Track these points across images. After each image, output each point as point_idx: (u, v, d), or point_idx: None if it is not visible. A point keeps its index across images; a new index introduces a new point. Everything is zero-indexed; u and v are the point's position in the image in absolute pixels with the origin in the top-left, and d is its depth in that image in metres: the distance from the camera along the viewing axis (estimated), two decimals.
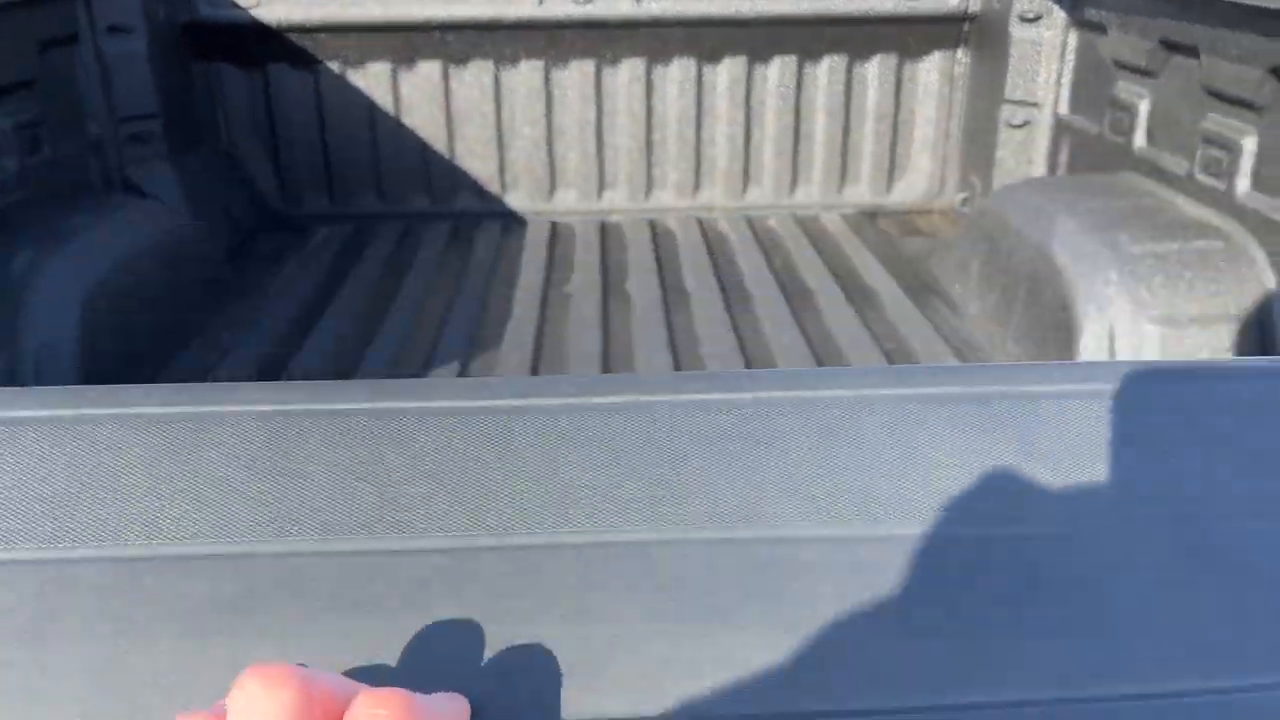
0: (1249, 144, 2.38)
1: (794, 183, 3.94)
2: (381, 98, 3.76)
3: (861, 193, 3.97)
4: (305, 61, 3.69)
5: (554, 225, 3.83)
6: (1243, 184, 2.40)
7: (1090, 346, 2.30)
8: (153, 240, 2.77)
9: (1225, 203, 2.45)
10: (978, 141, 3.67)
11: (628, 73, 3.76)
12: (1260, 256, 2.31)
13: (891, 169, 3.94)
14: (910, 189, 3.97)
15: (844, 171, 3.94)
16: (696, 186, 3.94)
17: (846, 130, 3.87)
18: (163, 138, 3.37)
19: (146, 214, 2.92)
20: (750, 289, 3.21)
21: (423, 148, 3.83)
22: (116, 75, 3.24)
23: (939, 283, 3.20)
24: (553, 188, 3.91)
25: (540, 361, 2.71)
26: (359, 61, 3.71)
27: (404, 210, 3.90)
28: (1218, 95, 2.48)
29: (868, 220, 3.88)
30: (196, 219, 3.26)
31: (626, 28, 3.67)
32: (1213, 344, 2.24)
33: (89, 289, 2.41)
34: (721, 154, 3.88)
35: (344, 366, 2.66)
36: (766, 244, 3.62)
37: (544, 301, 3.12)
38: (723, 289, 3.20)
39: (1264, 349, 2.24)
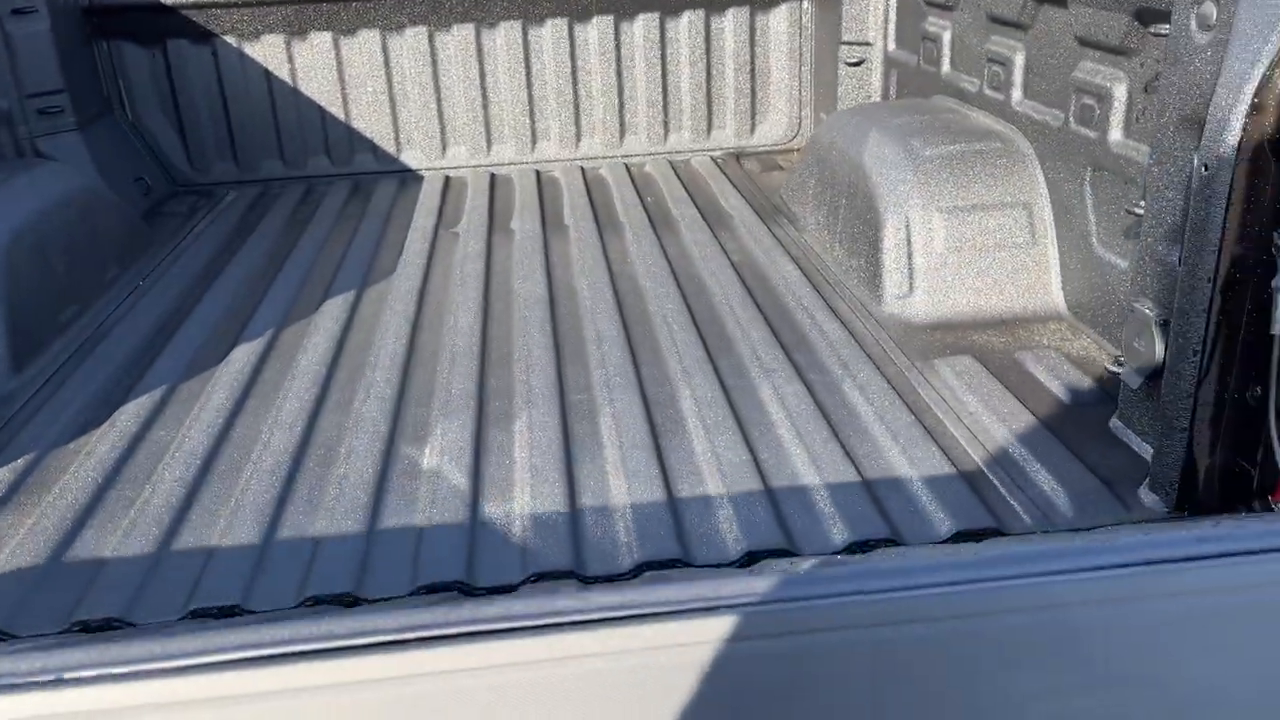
0: (1019, 60, 2.80)
1: (666, 130, 4.31)
2: (278, 68, 4.05)
3: (728, 136, 4.36)
4: (202, 36, 3.97)
5: (447, 178, 4.16)
6: (1016, 94, 2.83)
7: (890, 236, 2.70)
8: (65, 196, 3.05)
9: (1004, 111, 2.87)
10: (824, 82, 4.08)
11: (505, 35, 4.09)
12: (1030, 152, 2.74)
13: (753, 113, 4.33)
14: (771, 130, 4.37)
15: (710, 118, 4.32)
16: (578, 138, 4.29)
17: (709, 80, 4.25)
18: (71, 111, 3.63)
19: (56, 174, 3.19)
20: (622, 220, 3.58)
21: (320, 113, 4.12)
22: (21, 54, 3.50)
23: (786, 205, 3.60)
24: (444, 145, 4.23)
25: (428, 287, 3.04)
26: (254, 35, 3.99)
27: (306, 173, 4.19)
28: (997, 20, 2.90)
29: (734, 160, 4.27)
30: (109, 186, 3.52)
31: None
32: (989, 225, 2.66)
33: (9, 238, 2.68)
34: (598, 107, 4.24)
35: (246, 307, 2.96)
36: (641, 185, 3.99)
37: (434, 239, 3.45)
38: (597, 222, 3.56)
39: (1031, 227, 2.66)
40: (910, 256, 2.68)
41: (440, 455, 2.11)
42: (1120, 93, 2.33)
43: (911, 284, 2.67)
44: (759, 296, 2.85)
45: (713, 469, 2.02)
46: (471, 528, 1.88)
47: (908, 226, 2.70)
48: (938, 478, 1.96)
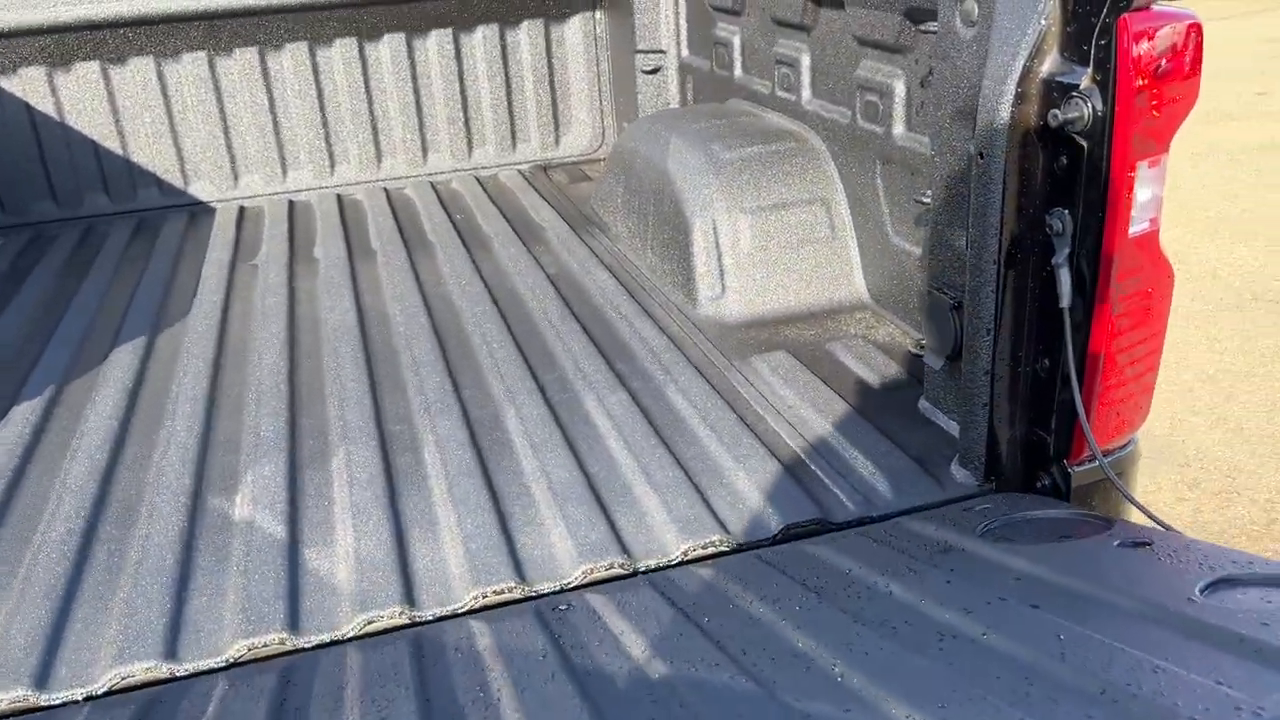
0: (805, 61, 2.90)
1: (470, 146, 4.25)
2: (41, 102, 3.75)
3: (533, 149, 4.33)
4: None
5: (241, 209, 3.96)
6: (805, 94, 2.92)
7: (699, 240, 2.75)
8: None
9: (796, 111, 2.97)
10: (624, 90, 4.11)
11: (291, 57, 3.93)
12: (823, 149, 2.84)
13: (556, 125, 4.33)
14: (576, 141, 4.37)
15: (514, 131, 4.29)
16: (379, 159, 4.17)
17: (509, 93, 4.21)
18: None
19: None
20: (432, 240, 3.49)
21: (94, 148, 3.85)
22: None
23: (597, 215, 3.61)
24: (235, 174, 4.03)
25: (228, 325, 2.88)
26: (10, 68, 3.68)
27: (83, 213, 3.91)
28: (782, 24, 2.99)
29: (542, 173, 4.25)
30: None
31: (283, 13, 3.84)
32: (792, 223, 2.74)
33: None
34: (397, 126, 4.13)
35: (21, 363, 2.72)
36: (449, 202, 3.91)
37: (231, 273, 3.27)
38: (406, 244, 3.46)
39: (831, 222, 2.75)
40: (720, 258, 2.73)
41: (253, 504, 1.99)
42: (899, 89, 2.45)
43: (723, 285, 2.72)
44: (577, 308, 2.84)
45: (543, 488, 1.99)
46: (293, 577, 1.78)
47: (715, 229, 2.74)
48: (763, 473, 1.99)
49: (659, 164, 3.02)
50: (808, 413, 2.22)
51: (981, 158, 1.73)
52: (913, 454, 2.03)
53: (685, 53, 3.82)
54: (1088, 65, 1.57)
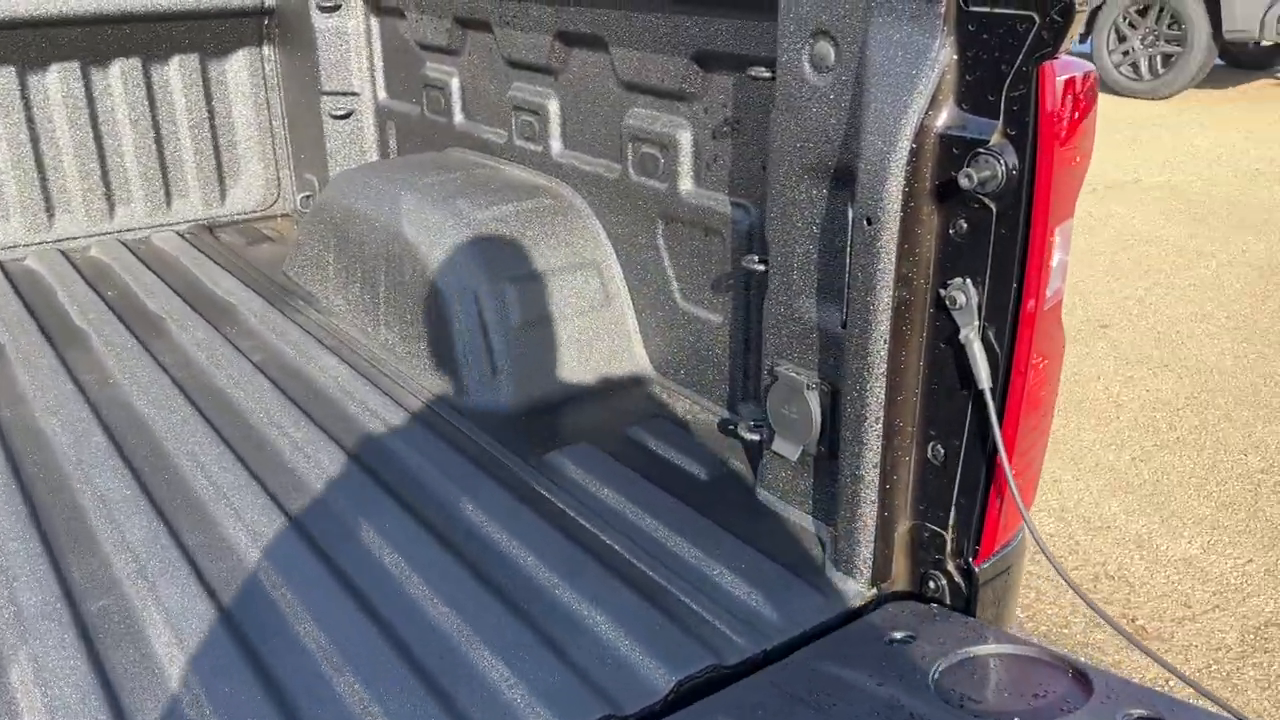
0: (554, 107, 2.57)
1: (111, 204, 3.47)
2: None
3: (193, 206, 3.63)
4: None
5: None
6: (556, 145, 2.60)
7: (460, 314, 2.32)
8: None
9: (544, 164, 2.63)
10: (306, 138, 3.55)
11: None
12: (585, 207, 2.52)
13: (221, 177, 3.66)
14: (247, 196, 3.73)
15: (168, 185, 3.56)
16: None
17: (160, 140, 3.49)
18: None
19: None
20: (81, 326, 2.75)
21: None
22: None
23: (297, 285, 3.04)
24: None
25: None
26: None
27: None
28: (518, 65, 2.65)
29: (207, 234, 3.57)
30: None
31: None
32: (564, 290, 2.39)
33: None
34: (9, 182, 3.28)
35: None
36: (93, 276, 3.14)
37: None
38: (45, 334, 2.69)
39: (604, 288, 2.44)
40: (487, 335, 2.32)
41: None
42: (685, 140, 2.19)
43: (493, 367, 2.31)
44: (309, 406, 2.30)
45: (338, 668, 1.49)
46: None
47: (478, 301, 2.33)
48: (622, 609, 1.62)
49: (389, 225, 2.55)
50: (638, 518, 1.87)
51: (869, 223, 1.50)
52: (779, 560, 1.76)
53: (384, 95, 3.35)
54: (996, 118, 1.38)
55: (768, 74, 1.74)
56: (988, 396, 1.44)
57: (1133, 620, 3.26)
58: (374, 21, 3.26)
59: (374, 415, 2.25)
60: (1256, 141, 8.48)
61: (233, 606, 1.63)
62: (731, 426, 2.18)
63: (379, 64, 3.31)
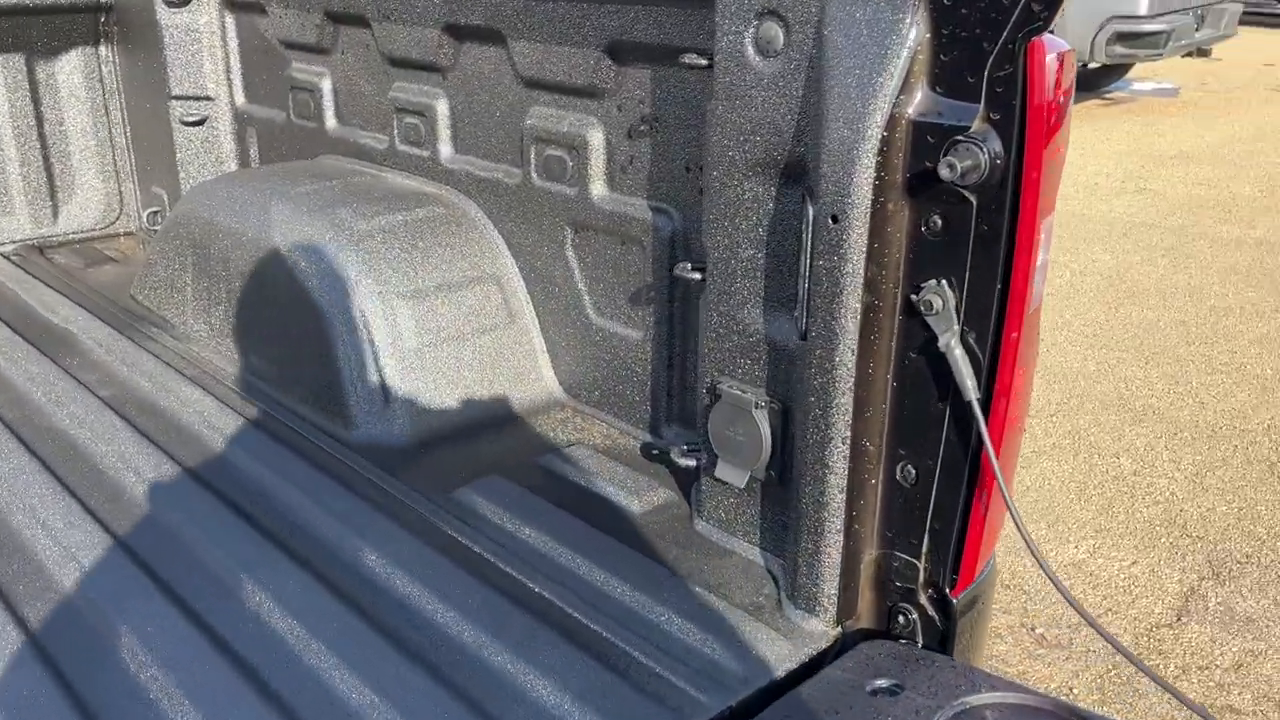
0: (442, 108, 2.34)
1: None
2: None
3: (21, 225, 3.22)
4: None
5: None
6: (445, 150, 2.37)
7: (344, 336, 2.06)
8: None
9: (433, 170, 2.40)
10: (153, 148, 3.20)
11: None
12: (480, 216, 2.30)
13: (53, 193, 3.26)
14: (83, 213, 3.33)
15: None
16: None
17: None
18: None
19: None
20: None
21: None
22: None
23: (149, 309, 2.70)
24: None
25: None
26: None
27: None
28: (400, 63, 2.41)
29: (38, 255, 3.17)
30: None
31: None
32: (462, 308, 2.16)
33: None
34: None
35: None
36: None
37: None
38: None
39: (507, 304, 2.23)
40: (377, 359, 2.07)
41: None
42: (596, 140, 2.01)
43: (386, 395, 2.06)
44: (170, 445, 1.99)
45: None
46: None
47: (365, 322, 2.08)
48: (558, 667, 1.41)
49: (259, 239, 2.27)
50: (572, 561, 1.66)
51: (834, 222, 1.34)
52: (730, 599, 1.58)
53: (242, 99, 3.04)
54: (977, 101, 1.25)
55: (703, 62, 1.57)
56: (976, 407, 1.30)
57: (1032, 629, 3.23)
58: (229, 18, 2.96)
59: (249, 454, 1.96)
60: (1092, 157, 8.89)
61: (83, 691, 1.34)
62: (656, 451, 1.99)
63: (236, 65, 3.00)
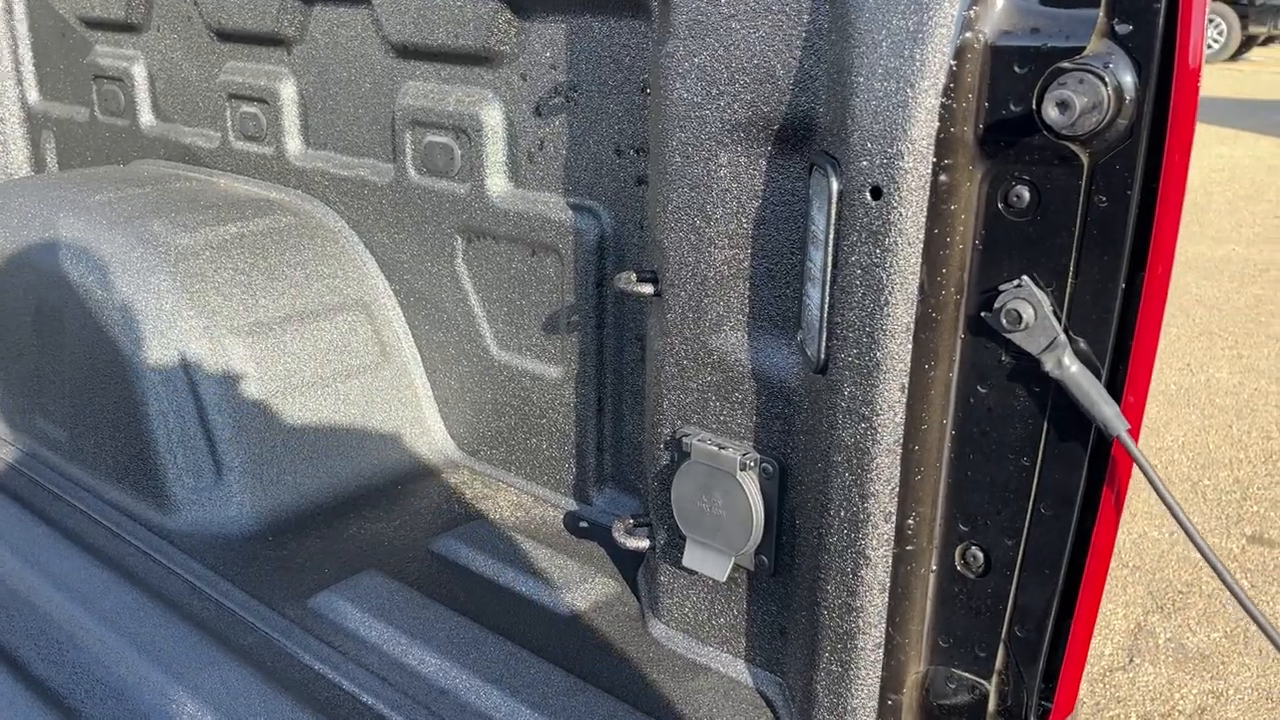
0: (288, 92, 1.83)
1: None
2: None
3: None
4: None
5: None
6: (294, 144, 1.86)
7: (159, 389, 1.52)
8: None
9: (280, 170, 1.88)
10: None
11: None
12: (341, 226, 1.79)
13: None
14: None
15: None
16: None
17: None
18: None
19: None
20: None
21: None
22: None
23: None
24: None
25: None
26: None
27: None
28: (232, 36, 1.89)
29: None
30: None
31: None
32: (319, 344, 1.65)
33: None
34: None
35: None
36: None
37: None
38: None
39: (378, 337, 1.72)
40: (204, 419, 1.53)
41: None
42: (491, 121, 1.53)
43: (218, 467, 1.52)
44: None
45: None
46: None
47: (186, 369, 1.54)
48: None
49: (39, 263, 1.70)
50: (485, 697, 1.17)
51: (875, 197, 0.91)
52: None
53: (35, 95, 2.44)
54: (1095, 6, 0.83)
55: None
56: (1127, 441, 0.87)
57: None
58: None
59: (26, 554, 1.40)
60: None
61: None
62: (586, 525, 1.52)
63: (25, 53, 2.41)
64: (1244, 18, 13.41)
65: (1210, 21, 13.65)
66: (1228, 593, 3.28)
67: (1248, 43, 13.93)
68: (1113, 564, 3.30)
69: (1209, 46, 13.73)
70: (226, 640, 1.24)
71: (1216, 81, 12.73)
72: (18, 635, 1.24)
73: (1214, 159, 8.87)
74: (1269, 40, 14.48)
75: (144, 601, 1.31)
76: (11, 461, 1.69)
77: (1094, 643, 3.02)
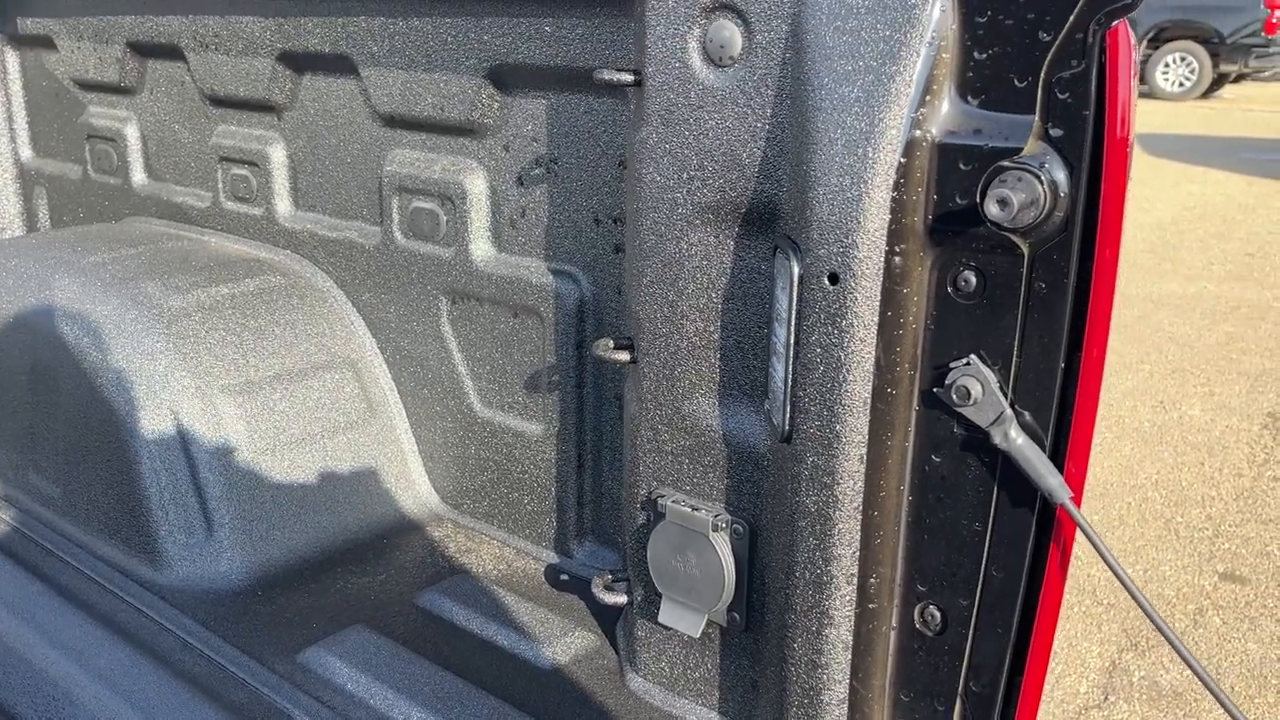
0: (278, 155, 1.90)
1: None
2: None
3: None
4: None
5: None
6: (283, 205, 1.92)
7: (151, 446, 1.57)
8: None
9: (269, 231, 1.94)
10: None
11: None
12: (327, 285, 1.85)
13: None
14: None
15: None
16: None
17: None
18: None
19: None
20: None
21: None
22: None
23: None
24: None
25: None
26: None
27: None
28: (225, 102, 1.96)
29: None
30: None
31: None
32: (309, 402, 1.70)
33: None
34: None
35: None
36: None
37: None
38: None
39: (365, 395, 1.78)
40: (195, 476, 1.58)
41: None
42: (478, 188, 1.60)
43: (208, 521, 1.57)
44: None
45: None
46: None
47: (178, 425, 1.59)
48: None
49: (34, 323, 1.75)
50: None
51: (833, 283, 0.98)
52: None
53: (28, 153, 2.50)
54: (1030, 113, 0.91)
55: (628, 78, 1.19)
56: (1070, 508, 0.93)
57: None
58: (11, 55, 2.43)
59: (20, 610, 1.44)
60: None
61: None
62: (567, 578, 1.57)
63: (19, 111, 2.47)
64: (1215, 56, 13.71)
65: (1182, 59, 13.94)
66: (1199, 631, 3.36)
67: (1219, 80, 14.23)
68: (1088, 602, 3.36)
69: (1180, 85, 14.01)
70: (218, 696, 1.28)
71: (1188, 119, 12.97)
72: (14, 692, 1.28)
73: (1185, 196, 9.02)
74: (1240, 78, 14.79)
75: (137, 658, 1.35)
76: (6, 518, 1.73)
77: (1069, 681, 3.08)
